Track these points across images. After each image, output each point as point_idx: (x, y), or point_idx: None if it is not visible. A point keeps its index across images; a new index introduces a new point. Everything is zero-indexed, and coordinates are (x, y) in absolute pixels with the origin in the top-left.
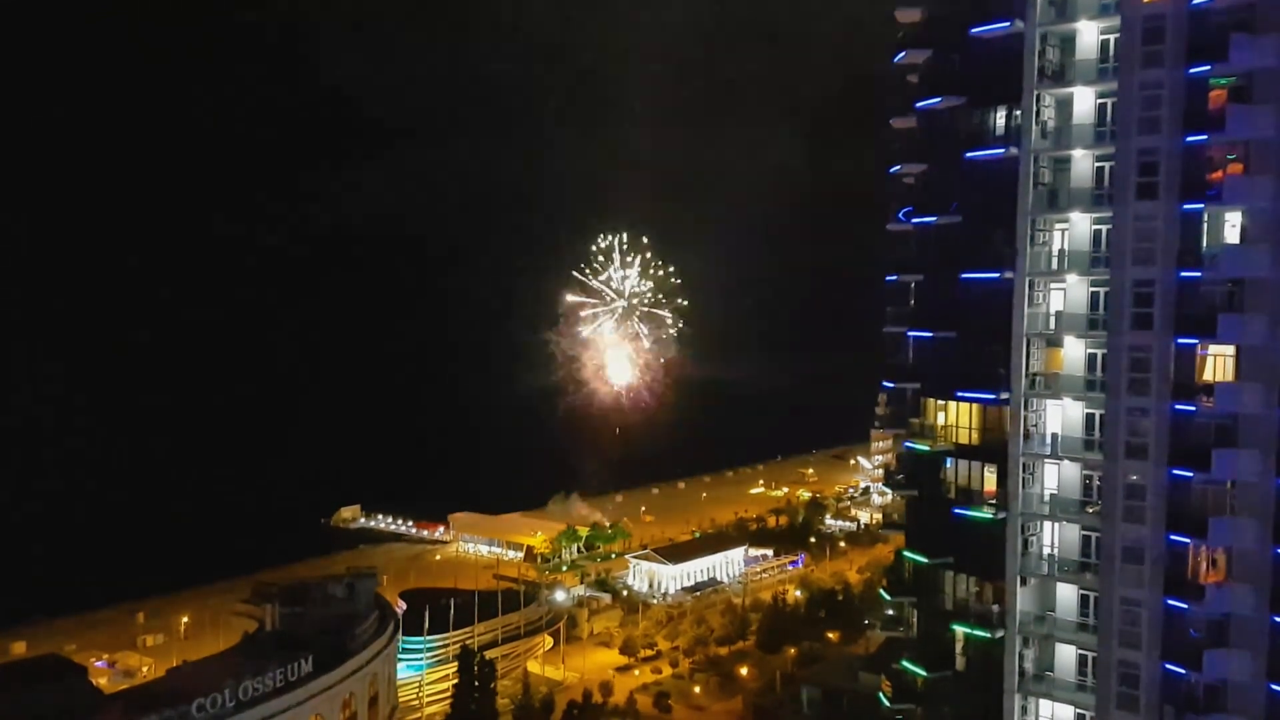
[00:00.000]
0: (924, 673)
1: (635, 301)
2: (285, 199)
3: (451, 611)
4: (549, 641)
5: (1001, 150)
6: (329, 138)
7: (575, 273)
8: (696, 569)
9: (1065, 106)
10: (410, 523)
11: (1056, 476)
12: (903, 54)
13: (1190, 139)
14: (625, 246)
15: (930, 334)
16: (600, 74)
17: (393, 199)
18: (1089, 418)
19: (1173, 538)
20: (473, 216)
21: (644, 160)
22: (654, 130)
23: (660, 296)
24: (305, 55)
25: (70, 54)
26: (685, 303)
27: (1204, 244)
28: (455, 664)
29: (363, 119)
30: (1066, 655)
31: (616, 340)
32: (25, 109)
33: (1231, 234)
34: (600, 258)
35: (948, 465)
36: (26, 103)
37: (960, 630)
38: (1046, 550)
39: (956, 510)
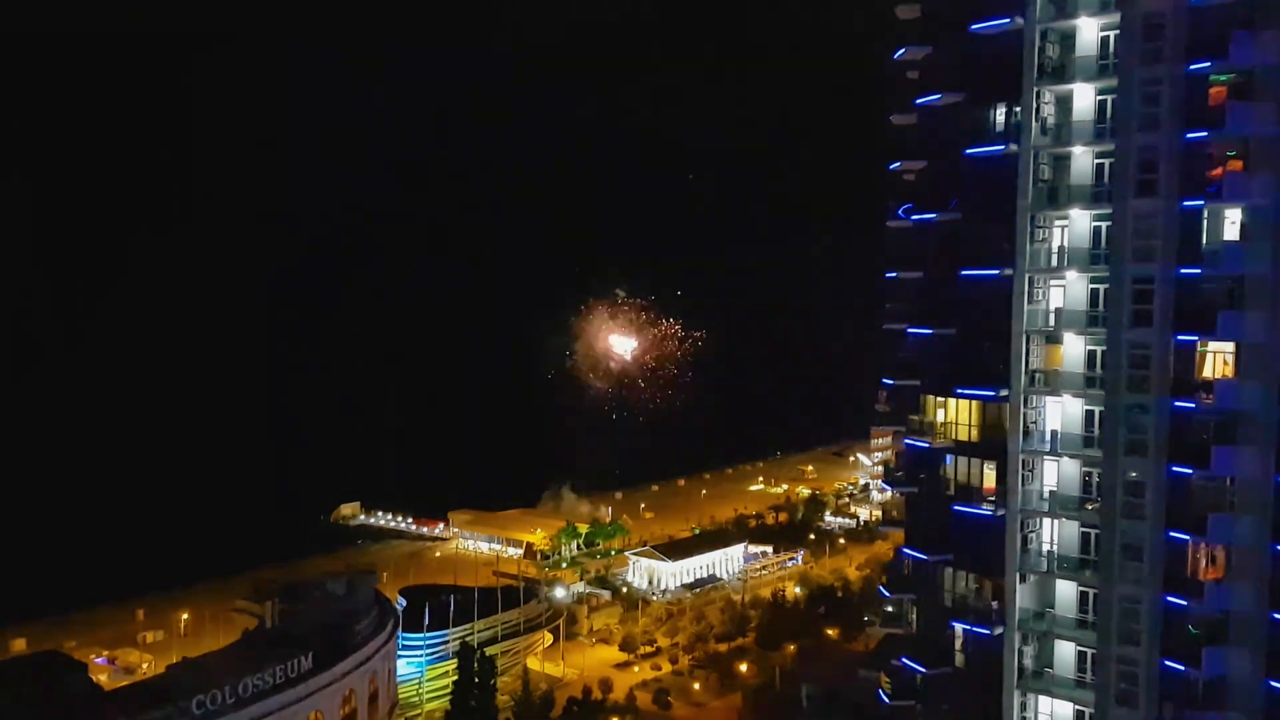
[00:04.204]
0: (923, 669)
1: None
2: (286, 195)
3: (451, 608)
4: (549, 638)
5: (1001, 147)
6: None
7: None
8: (696, 566)
9: (1065, 103)
10: (410, 519)
11: (1056, 473)
12: (902, 50)
13: (1190, 136)
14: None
15: (930, 331)
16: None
17: (398, 197)
18: (1088, 414)
19: (1172, 535)
20: (465, 209)
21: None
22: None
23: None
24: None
25: None
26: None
27: (1204, 241)
28: (455, 661)
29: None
30: (1066, 652)
31: (617, 330)
32: None
33: (1231, 231)
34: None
35: (947, 462)
36: None
37: (959, 627)
38: (1046, 547)
39: (956, 507)
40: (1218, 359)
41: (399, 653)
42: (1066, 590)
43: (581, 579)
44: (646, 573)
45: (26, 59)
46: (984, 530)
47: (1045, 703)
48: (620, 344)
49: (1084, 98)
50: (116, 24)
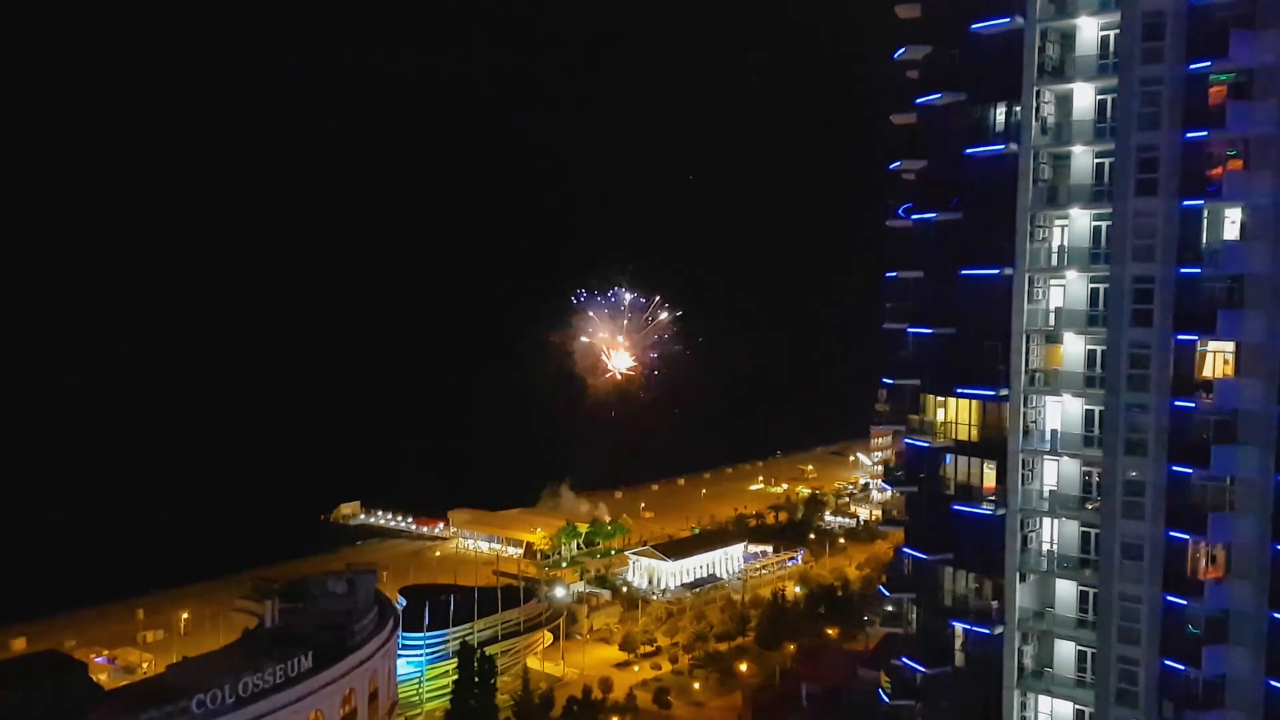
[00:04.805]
0: (923, 669)
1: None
2: (282, 194)
3: (451, 608)
4: (549, 638)
5: (1001, 146)
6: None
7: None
8: (696, 565)
9: (1065, 102)
10: (410, 519)
11: (1056, 473)
12: (903, 50)
13: (1190, 135)
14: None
15: (930, 330)
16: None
17: (398, 197)
18: (1088, 414)
19: (1172, 534)
20: (464, 207)
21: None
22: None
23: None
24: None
25: None
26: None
27: (1204, 240)
28: (455, 660)
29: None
30: (1066, 651)
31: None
32: None
33: (1231, 230)
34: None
35: (947, 461)
36: None
37: (959, 626)
38: (1046, 546)
39: (956, 506)
40: (1218, 358)
41: (399, 652)
42: (1066, 590)
43: (581, 578)
44: (646, 572)
45: None
46: (984, 529)
47: (1045, 702)
48: (617, 344)
49: (1084, 97)
50: None
